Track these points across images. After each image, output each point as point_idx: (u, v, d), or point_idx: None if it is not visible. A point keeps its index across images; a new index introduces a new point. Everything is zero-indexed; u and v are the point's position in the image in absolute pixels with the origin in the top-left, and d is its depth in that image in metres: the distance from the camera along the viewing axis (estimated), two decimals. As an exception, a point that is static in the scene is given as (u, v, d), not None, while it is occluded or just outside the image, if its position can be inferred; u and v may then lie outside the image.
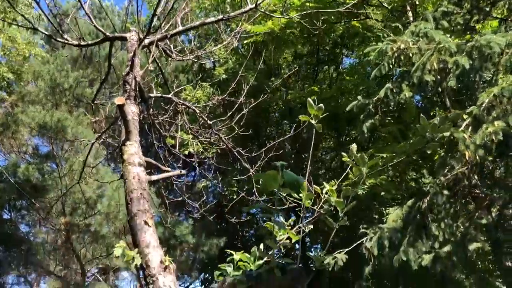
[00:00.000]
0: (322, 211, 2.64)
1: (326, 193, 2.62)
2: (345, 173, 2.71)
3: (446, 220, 6.35)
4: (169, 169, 4.38)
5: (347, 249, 6.65)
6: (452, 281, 16.48)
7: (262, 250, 2.24)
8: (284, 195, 2.29)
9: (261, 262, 2.57)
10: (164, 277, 3.30)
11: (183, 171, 4.35)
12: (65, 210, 12.05)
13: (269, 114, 17.66)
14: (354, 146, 2.65)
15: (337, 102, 14.33)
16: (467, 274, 15.70)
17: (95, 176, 12.19)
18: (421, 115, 2.83)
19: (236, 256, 2.85)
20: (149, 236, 3.47)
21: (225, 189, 13.44)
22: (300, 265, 2.11)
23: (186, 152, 11.45)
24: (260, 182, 2.24)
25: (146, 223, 3.52)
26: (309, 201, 2.43)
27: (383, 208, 10.32)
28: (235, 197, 10.78)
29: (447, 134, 4.82)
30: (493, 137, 5.46)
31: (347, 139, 17.17)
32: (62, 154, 12.24)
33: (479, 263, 14.94)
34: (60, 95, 14.34)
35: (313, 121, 2.70)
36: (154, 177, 4.05)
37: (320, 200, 2.66)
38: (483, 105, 5.88)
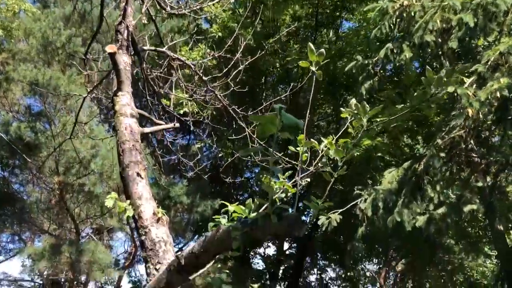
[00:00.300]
0: (320, 164, 2.55)
1: (325, 146, 2.52)
2: (344, 128, 2.61)
3: (442, 183, 6.33)
4: (162, 122, 4.26)
5: (341, 210, 6.64)
6: (443, 246, 16.82)
7: (257, 202, 2.14)
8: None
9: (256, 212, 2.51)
10: (156, 228, 3.24)
11: (177, 124, 4.23)
12: (59, 169, 11.97)
13: (266, 77, 17.43)
14: (353, 100, 2.55)
15: (335, 67, 14.12)
16: (457, 239, 16.00)
17: (89, 135, 12.08)
18: (427, 66, 2.70)
19: (231, 207, 2.77)
20: (142, 188, 3.39)
21: (220, 150, 13.38)
22: (297, 212, 2.03)
23: (181, 112, 11.33)
24: (257, 127, 2.14)
25: (138, 174, 3.44)
26: (306, 154, 2.33)
27: (377, 174, 10.32)
28: (229, 159, 10.72)
29: (451, 90, 4.68)
30: (498, 94, 5.35)
31: (344, 105, 17.04)
32: (55, 112, 12.05)
33: (470, 229, 15.18)
34: (52, 54, 14.01)
35: (313, 68, 2.57)
36: (147, 129, 3.93)
37: (317, 155, 2.57)
38: (488, 63, 5.75)
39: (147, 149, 10.95)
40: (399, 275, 20.77)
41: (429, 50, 7.48)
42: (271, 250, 21.96)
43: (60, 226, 13.57)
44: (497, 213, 6.61)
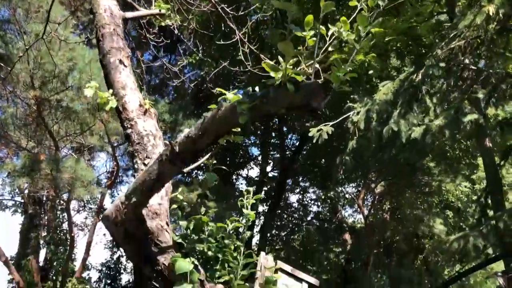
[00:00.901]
0: (330, 48, 2.18)
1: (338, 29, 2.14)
2: (357, 11, 2.22)
3: (440, 94, 6.10)
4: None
5: (333, 122, 6.41)
6: (423, 168, 17.15)
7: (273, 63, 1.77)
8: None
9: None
10: (144, 121, 2.91)
11: (163, 10, 3.76)
12: (34, 83, 11.33)
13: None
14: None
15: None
16: (437, 162, 16.27)
17: (65, 48, 11.36)
18: None
19: (230, 95, 2.43)
20: (125, 77, 3.01)
21: (205, 69, 12.83)
22: (317, 81, 1.70)
23: (163, 24, 10.60)
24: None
25: (121, 62, 3.03)
26: (314, 39, 1.95)
27: (371, 86, 10.02)
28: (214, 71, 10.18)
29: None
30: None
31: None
32: (27, 21, 11.17)
33: (451, 151, 15.37)
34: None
35: None
36: (129, 14, 3.47)
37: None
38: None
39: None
40: (377, 197, 21.34)
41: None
42: (254, 172, 22.19)
43: (39, 144, 13.13)
44: (490, 123, 6.51)
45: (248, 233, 3.55)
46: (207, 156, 2.58)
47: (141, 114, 2.89)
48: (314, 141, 6.41)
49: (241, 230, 3.61)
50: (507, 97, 6.03)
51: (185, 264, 2.60)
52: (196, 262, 2.75)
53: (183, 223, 2.83)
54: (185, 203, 2.97)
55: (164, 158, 2.31)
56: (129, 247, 2.63)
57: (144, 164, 2.75)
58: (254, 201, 3.68)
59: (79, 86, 11.22)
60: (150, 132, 2.86)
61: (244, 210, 3.56)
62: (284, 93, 1.67)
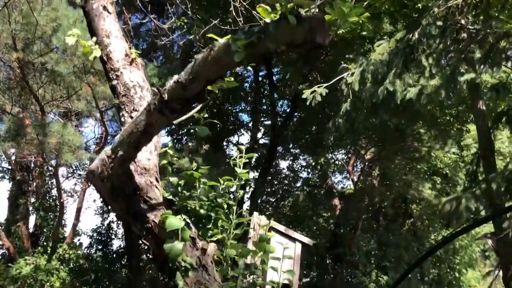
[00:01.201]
0: None
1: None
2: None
3: (436, 54, 5.94)
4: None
5: (326, 84, 6.25)
6: (413, 134, 17.17)
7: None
8: None
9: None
10: (130, 72, 2.72)
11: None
12: (16, 45, 10.91)
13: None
14: None
15: None
16: (428, 128, 16.27)
17: (48, 8, 10.91)
18: None
19: (222, 40, 2.24)
20: (110, 24, 2.80)
21: (195, 30, 12.44)
22: (321, 14, 1.54)
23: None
24: None
25: (105, 8, 2.81)
26: None
27: (364, 51, 9.82)
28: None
29: None
30: None
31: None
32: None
33: (442, 117, 15.33)
34: None
35: None
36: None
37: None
38: None
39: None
40: (367, 163, 21.43)
41: None
42: (244, 139, 22.08)
43: (24, 108, 12.81)
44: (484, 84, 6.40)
45: (241, 192, 3.45)
46: (198, 108, 2.43)
47: (127, 64, 2.71)
48: (308, 103, 6.27)
49: (234, 190, 3.51)
50: (503, 57, 5.89)
51: (176, 221, 2.49)
52: (187, 220, 2.64)
53: (173, 179, 2.70)
54: (175, 159, 2.83)
55: (152, 107, 2.15)
56: (116, 204, 2.51)
57: (131, 118, 2.59)
58: (247, 160, 3.56)
59: (64, 48, 10.83)
60: (137, 83, 2.68)
61: (237, 169, 3.45)
62: (285, 27, 1.51)
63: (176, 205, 2.67)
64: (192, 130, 15.38)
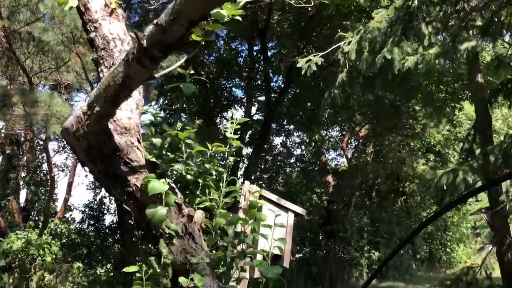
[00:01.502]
0: None
1: None
2: None
3: (436, 21, 5.72)
4: None
5: (322, 53, 6.03)
6: (408, 111, 17.03)
7: None
8: None
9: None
10: (110, 23, 2.49)
11: None
12: (1, 12, 10.51)
13: None
14: None
15: None
16: (423, 105, 16.12)
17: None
18: None
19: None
20: (87, -29, 2.57)
21: None
22: None
23: None
24: None
25: (82, -47, 2.58)
26: None
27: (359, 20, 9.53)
28: None
29: None
30: None
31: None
32: None
33: (438, 94, 15.17)
34: None
35: None
36: None
37: None
38: None
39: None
40: (361, 140, 21.36)
41: None
42: (238, 115, 21.83)
43: (12, 80, 12.48)
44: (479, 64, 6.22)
45: (232, 159, 3.27)
46: (182, 61, 2.22)
47: (107, 15, 2.48)
48: (303, 72, 6.05)
49: (225, 157, 3.32)
50: (505, 26, 5.69)
51: (159, 185, 2.31)
52: (172, 184, 2.46)
53: (156, 140, 2.51)
54: (159, 118, 2.63)
55: (130, 57, 1.94)
56: (94, 166, 2.32)
57: (111, 73, 2.38)
58: (239, 126, 3.38)
59: (51, 16, 10.45)
60: (117, 36, 2.46)
61: (228, 135, 3.26)
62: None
63: (160, 168, 2.48)
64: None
